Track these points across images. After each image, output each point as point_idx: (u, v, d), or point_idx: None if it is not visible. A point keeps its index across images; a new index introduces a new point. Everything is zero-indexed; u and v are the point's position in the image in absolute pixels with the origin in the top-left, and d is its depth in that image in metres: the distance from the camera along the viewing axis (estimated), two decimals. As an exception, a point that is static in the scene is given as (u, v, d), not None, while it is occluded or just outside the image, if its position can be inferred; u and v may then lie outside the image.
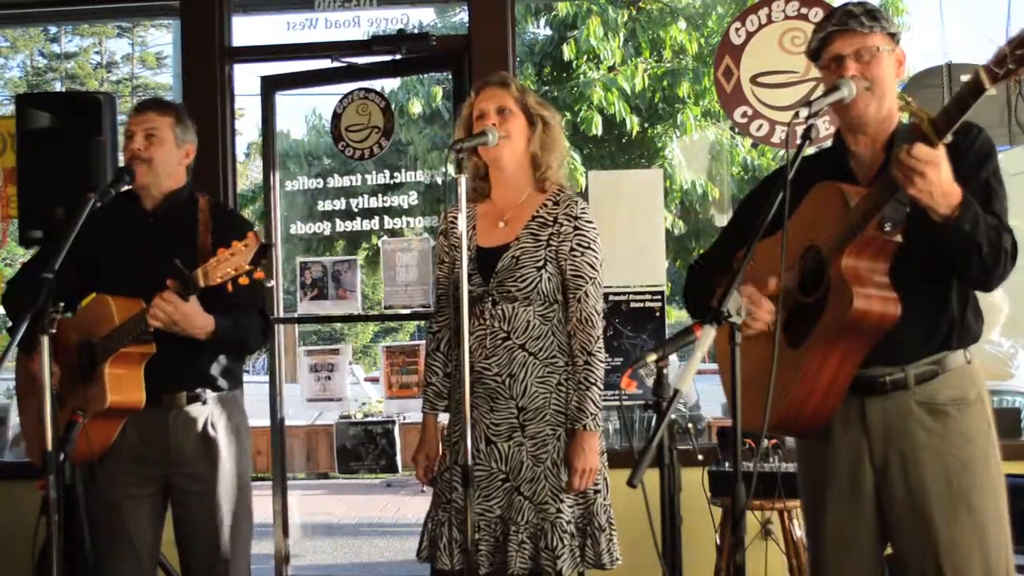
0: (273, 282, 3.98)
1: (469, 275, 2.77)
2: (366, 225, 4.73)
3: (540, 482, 2.75)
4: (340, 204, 4.71)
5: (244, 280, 2.60)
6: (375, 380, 5.85)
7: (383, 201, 4.70)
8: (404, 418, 4.59)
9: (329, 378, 4.54)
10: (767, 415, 1.96)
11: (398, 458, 4.52)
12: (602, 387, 2.80)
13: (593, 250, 2.81)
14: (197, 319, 2.73)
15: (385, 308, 4.60)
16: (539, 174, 2.85)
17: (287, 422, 4.58)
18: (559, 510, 2.73)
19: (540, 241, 2.80)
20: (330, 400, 4.58)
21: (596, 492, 2.80)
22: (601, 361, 2.80)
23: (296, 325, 6.49)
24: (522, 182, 2.87)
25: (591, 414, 2.75)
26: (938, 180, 1.98)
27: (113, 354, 2.75)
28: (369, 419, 4.64)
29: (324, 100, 12.39)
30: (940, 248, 2.11)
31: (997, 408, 4.38)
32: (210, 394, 2.91)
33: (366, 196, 4.77)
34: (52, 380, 2.46)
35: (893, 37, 2.26)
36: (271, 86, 4.49)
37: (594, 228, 2.84)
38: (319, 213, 4.75)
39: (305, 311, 4.59)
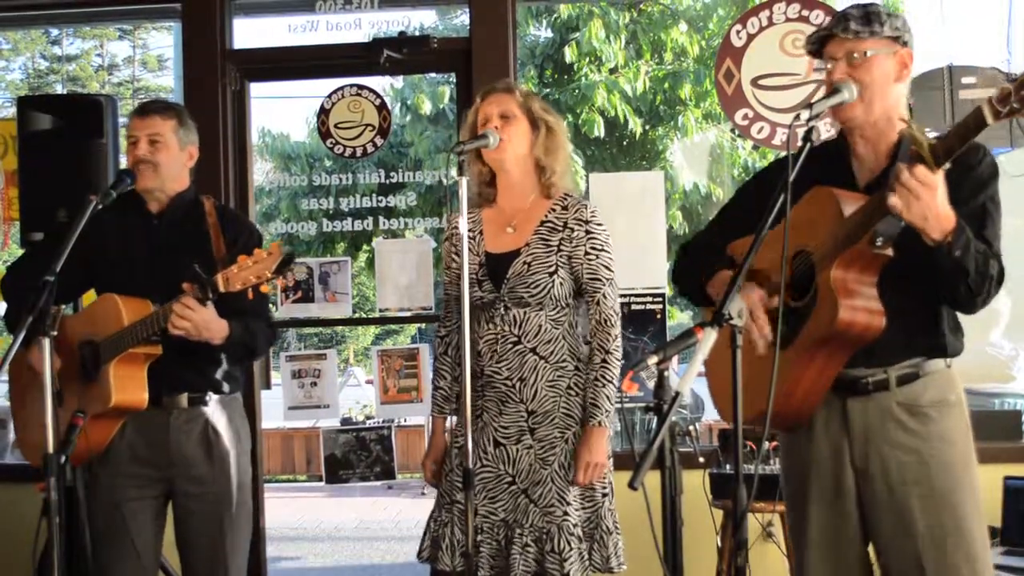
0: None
1: (479, 281, 2.79)
2: (367, 226, 4.70)
3: (547, 485, 2.75)
4: (342, 205, 4.69)
5: (266, 288, 2.62)
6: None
7: (383, 202, 4.66)
8: (405, 420, 4.51)
9: (315, 384, 4.35)
10: (768, 413, 1.96)
11: (395, 464, 4.42)
12: (617, 386, 2.81)
13: (607, 252, 2.84)
14: (214, 324, 2.73)
15: (380, 311, 4.41)
16: (545, 179, 2.86)
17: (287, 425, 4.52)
18: (566, 513, 2.74)
19: (551, 246, 2.81)
20: (316, 408, 4.36)
21: (604, 495, 2.80)
22: (618, 360, 2.82)
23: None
24: (528, 187, 2.88)
25: (605, 411, 2.76)
26: (933, 204, 1.98)
27: (120, 354, 2.75)
28: (361, 425, 4.53)
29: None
30: (930, 269, 2.12)
31: (998, 410, 4.42)
32: (212, 396, 2.91)
33: (366, 197, 4.73)
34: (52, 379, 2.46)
35: (896, 40, 2.23)
36: (244, 75, 4.31)
37: (605, 231, 2.86)
38: (319, 213, 4.71)
39: (287, 315, 4.35)
